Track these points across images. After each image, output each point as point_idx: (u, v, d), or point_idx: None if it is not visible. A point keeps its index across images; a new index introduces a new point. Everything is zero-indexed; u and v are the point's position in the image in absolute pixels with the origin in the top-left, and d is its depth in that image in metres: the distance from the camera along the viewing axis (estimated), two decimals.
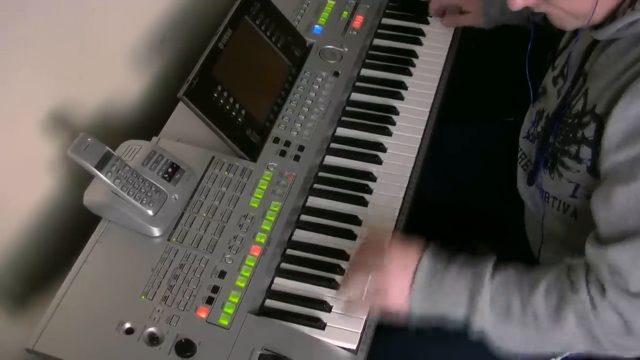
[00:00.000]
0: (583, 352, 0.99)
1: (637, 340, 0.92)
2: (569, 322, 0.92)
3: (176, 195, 1.12)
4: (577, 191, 1.05)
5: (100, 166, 1.03)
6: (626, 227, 0.90)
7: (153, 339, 1.00)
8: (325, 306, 1.07)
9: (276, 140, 1.23)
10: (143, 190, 1.08)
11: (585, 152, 1.00)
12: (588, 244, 0.95)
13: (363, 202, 1.19)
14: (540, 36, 1.11)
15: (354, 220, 1.17)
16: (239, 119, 1.19)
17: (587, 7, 0.92)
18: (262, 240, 1.10)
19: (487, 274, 0.97)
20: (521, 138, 1.21)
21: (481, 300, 0.96)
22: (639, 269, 0.89)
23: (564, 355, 1.14)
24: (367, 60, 1.42)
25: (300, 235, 1.16)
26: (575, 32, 1.07)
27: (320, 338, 1.04)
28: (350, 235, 1.15)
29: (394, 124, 1.31)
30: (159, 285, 1.05)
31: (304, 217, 1.18)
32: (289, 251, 1.14)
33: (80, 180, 1.13)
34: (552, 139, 1.08)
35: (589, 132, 0.98)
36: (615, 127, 0.91)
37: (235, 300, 1.04)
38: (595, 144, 0.96)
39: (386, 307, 1.03)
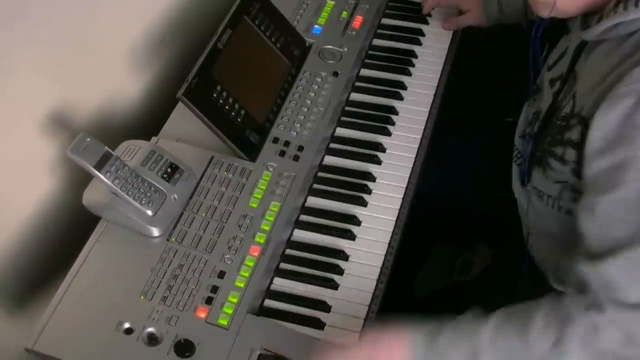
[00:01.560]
0: None
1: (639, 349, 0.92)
2: (575, 353, 0.90)
3: (175, 195, 1.12)
4: (563, 192, 1.05)
5: (99, 166, 1.03)
6: (615, 239, 0.88)
7: (152, 339, 1.00)
8: (324, 306, 1.07)
9: (275, 140, 1.23)
10: (142, 190, 1.08)
11: (570, 154, 0.99)
12: (579, 262, 0.93)
13: (362, 203, 1.19)
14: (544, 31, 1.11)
15: (353, 220, 1.17)
16: (238, 119, 1.19)
17: None
18: (262, 241, 1.10)
19: (481, 329, 0.94)
20: (517, 137, 1.21)
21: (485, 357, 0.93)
22: (635, 280, 0.87)
23: None
24: (366, 61, 1.42)
25: (300, 235, 1.17)
26: (567, 32, 1.07)
27: (320, 338, 1.04)
28: (350, 235, 1.15)
29: (393, 124, 1.31)
30: (158, 285, 1.05)
31: (303, 217, 1.18)
32: (288, 251, 1.14)
33: (80, 180, 1.13)
34: (542, 140, 1.08)
35: (575, 134, 0.97)
36: (597, 133, 0.90)
37: (235, 300, 1.04)
38: (580, 147, 0.95)
39: None
